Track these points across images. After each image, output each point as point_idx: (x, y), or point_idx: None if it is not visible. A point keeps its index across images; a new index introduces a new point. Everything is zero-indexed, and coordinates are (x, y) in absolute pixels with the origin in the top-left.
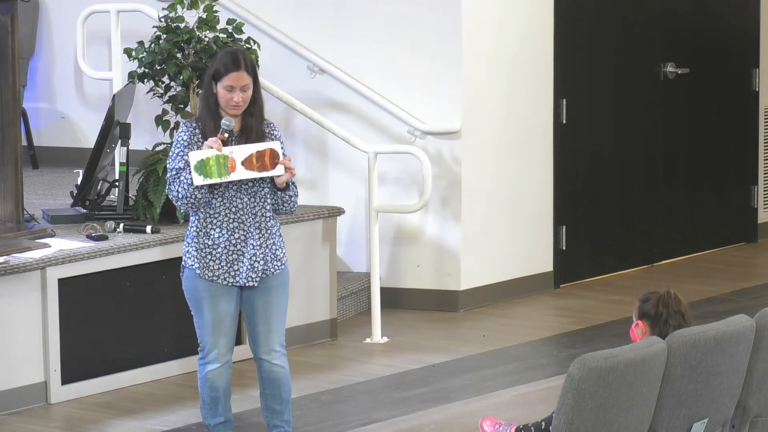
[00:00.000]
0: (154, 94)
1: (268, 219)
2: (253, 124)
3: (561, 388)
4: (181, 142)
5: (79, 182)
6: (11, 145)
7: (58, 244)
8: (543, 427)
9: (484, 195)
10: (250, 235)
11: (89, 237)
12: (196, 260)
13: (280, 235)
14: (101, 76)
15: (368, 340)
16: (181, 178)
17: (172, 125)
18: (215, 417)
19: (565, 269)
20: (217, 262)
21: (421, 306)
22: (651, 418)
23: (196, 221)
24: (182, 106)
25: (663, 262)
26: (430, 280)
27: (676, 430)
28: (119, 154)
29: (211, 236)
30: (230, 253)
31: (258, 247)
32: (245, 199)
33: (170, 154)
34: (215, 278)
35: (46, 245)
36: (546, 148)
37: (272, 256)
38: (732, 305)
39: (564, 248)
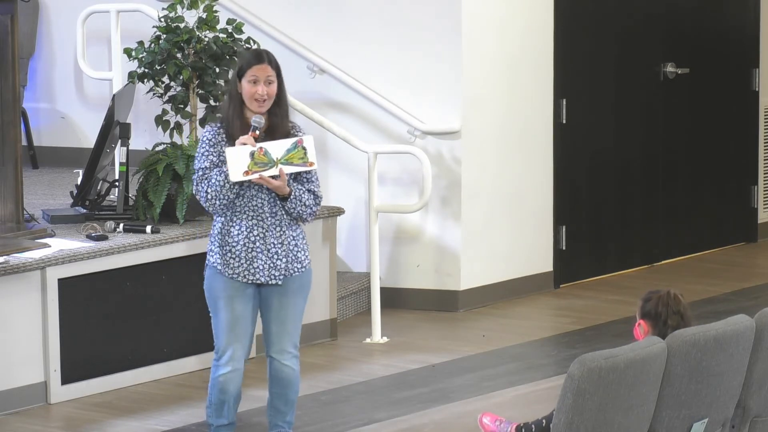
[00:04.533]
0: (154, 94)
1: (288, 219)
2: (278, 123)
3: (561, 388)
4: (206, 141)
5: (79, 182)
6: (11, 145)
7: (58, 244)
8: (544, 425)
9: (484, 195)
10: (269, 233)
11: (89, 237)
12: (218, 257)
13: (303, 238)
14: (101, 76)
15: (368, 340)
16: (210, 179)
17: (172, 125)
18: (219, 419)
19: (565, 269)
20: (237, 259)
21: (421, 306)
22: (651, 418)
23: (217, 220)
24: (182, 106)
25: (663, 262)
26: (430, 280)
27: (676, 430)
28: (119, 154)
29: (231, 234)
30: (249, 250)
31: (279, 245)
32: (264, 198)
33: (196, 154)
34: (235, 275)
35: (46, 245)
36: (546, 148)
37: (293, 258)
38: (732, 305)
39: (564, 248)
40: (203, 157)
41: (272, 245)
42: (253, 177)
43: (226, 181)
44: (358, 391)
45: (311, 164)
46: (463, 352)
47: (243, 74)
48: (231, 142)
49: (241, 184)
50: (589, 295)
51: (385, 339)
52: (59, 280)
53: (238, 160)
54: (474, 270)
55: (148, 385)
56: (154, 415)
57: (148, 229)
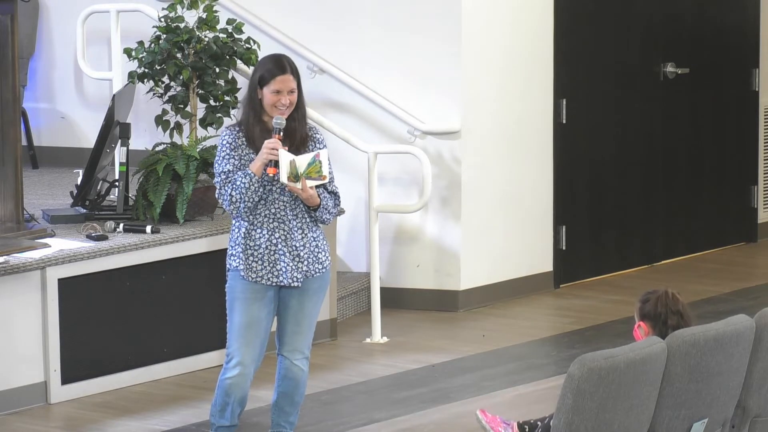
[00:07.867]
0: (154, 94)
1: (309, 220)
2: (296, 127)
3: (561, 388)
4: (227, 145)
5: (79, 182)
6: (11, 145)
7: (58, 244)
8: (546, 421)
9: (484, 195)
10: (290, 235)
11: (89, 237)
12: (240, 262)
13: (324, 238)
14: (101, 76)
15: (368, 340)
16: (235, 182)
17: (172, 125)
18: (221, 419)
19: (565, 269)
20: (260, 262)
21: (421, 306)
22: (651, 418)
23: (238, 224)
24: (182, 106)
25: (663, 262)
26: (430, 280)
27: (676, 430)
28: (119, 154)
29: (253, 237)
30: (272, 253)
31: (301, 248)
32: (286, 200)
33: (216, 158)
34: (258, 279)
35: (46, 245)
36: (546, 148)
37: (314, 259)
38: (732, 305)
39: (564, 248)
40: (224, 160)
41: (294, 248)
42: (293, 185)
43: (251, 183)
44: (358, 391)
45: (324, 178)
46: (463, 352)
47: (265, 83)
48: (251, 146)
49: (264, 186)
50: (589, 295)
51: (385, 339)
52: (59, 280)
53: (285, 163)
54: (474, 270)
55: (148, 385)
56: (154, 415)
57: (148, 229)
